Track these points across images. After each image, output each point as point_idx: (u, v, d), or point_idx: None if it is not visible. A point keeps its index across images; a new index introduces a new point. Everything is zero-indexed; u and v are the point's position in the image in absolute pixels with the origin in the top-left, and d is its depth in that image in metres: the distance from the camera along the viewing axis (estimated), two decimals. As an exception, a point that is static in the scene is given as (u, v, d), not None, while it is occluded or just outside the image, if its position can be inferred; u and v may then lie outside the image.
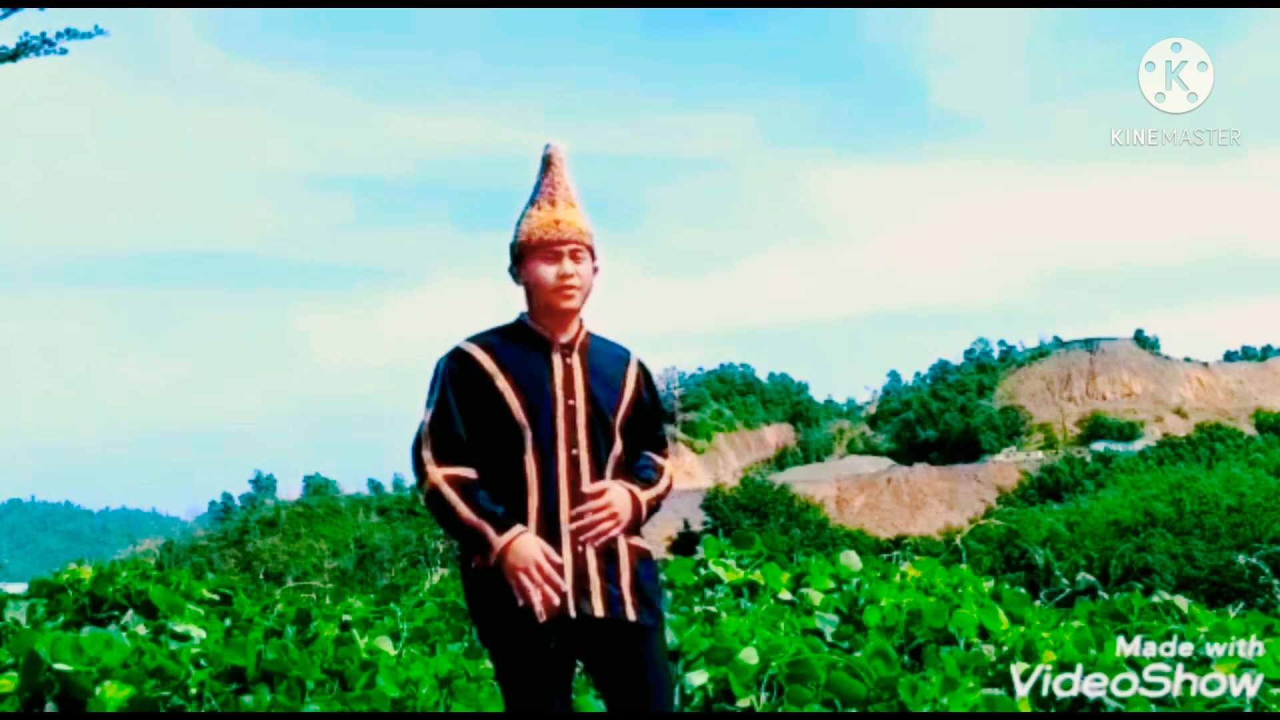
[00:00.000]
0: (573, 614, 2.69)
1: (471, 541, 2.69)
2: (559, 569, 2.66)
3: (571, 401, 2.77)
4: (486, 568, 2.70)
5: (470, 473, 2.72)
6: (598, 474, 2.77)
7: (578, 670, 2.96)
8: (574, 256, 2.79)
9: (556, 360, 2.80)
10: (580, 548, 2.72)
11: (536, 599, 2.63)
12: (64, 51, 8.02)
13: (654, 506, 2.84)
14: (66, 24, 7.97)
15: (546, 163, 2.87)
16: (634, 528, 2.81)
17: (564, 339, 2.82)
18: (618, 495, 2.74)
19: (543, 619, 2.66)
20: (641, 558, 2.80)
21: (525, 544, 2.64)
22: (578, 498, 2.73)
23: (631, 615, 2.73)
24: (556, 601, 2.64)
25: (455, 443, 2.72)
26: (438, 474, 2.70)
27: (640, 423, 2.89)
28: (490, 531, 2.66)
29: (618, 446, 2.82)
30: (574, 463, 2.74)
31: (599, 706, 4.18)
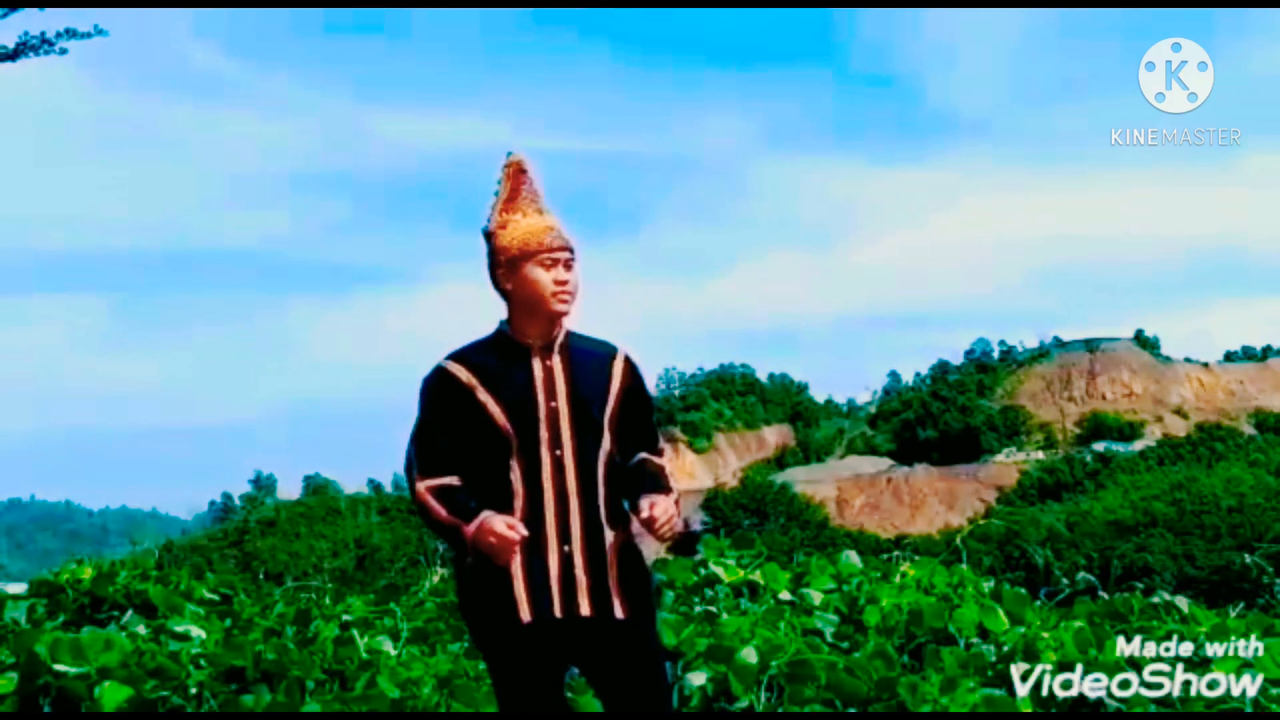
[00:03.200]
0: (558, 613, 2.72)
1: (452, 539, 2.75)
2: (514, 542, 2.68)
3: (553, 404, 2.79)
4: (476, 567, 2.74)
5: (453, 480, 2.78)
6: (584, 474, 2.79)
7: (576, 671, 2.96)
8: (566, 264, 2.83)
9: (536, 364, 2.83)
10: (566, 548, 2.75)
11: (513, 560, 2.69)
12: (64, 51, 8.00)
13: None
14: (66, 24, 7.95)
15: (517, 169, 2.90)
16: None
17: (543, 342, 2.85)
18: (666, 501, 2.77)
19: (528, 615, 2.69)
20: (629, 555, 2.82)
21: (489, 522, 2.68)
22: (564, 499, 2.76)
23: (620, 613, 2.76)
24: (516, 546, 2.67)
25: (439, 457, 2.80)
26: (421, 486, 2.79)
27: (632, 418, 2.90)
28: (460, 523, 2.72)
29: (607, 444, 2.83)
30: (558, 464, 2.77)
31: (596, 705, 4.18)
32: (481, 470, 2.77)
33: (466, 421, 2.78)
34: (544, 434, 2.77)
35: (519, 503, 2.74)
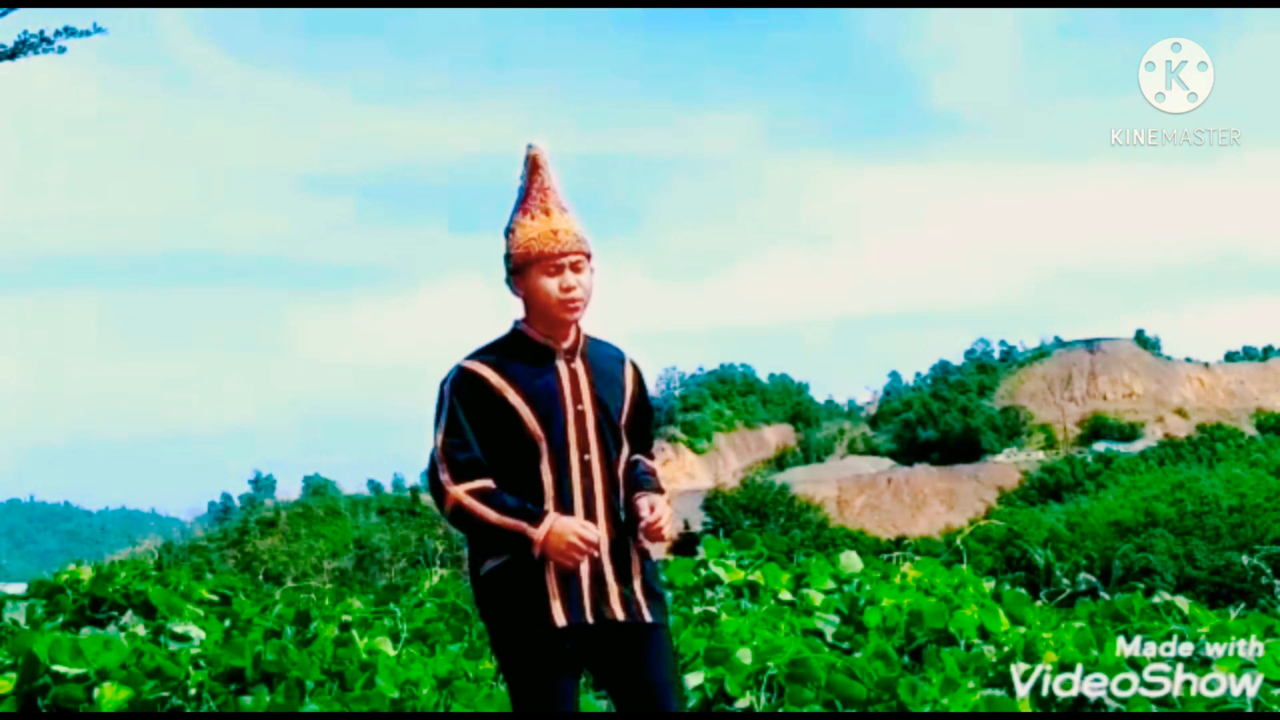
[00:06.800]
0: (590, 619, 2.70)
1: (510, 543, 2.68)
2: (594, 545, 2.68)
3: (580, 407, 2.77)
4: (502, 571, 2.71)
5: (490, 483, 2.72)
6: (609, 477, 2.78)
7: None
8: (575, 268, 2.76)
9: (562, 367, 2.79)
10: (595, 552, 2.72)
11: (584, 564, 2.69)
12: (63, 50, 7.97)
13: None
14: (65, 22, 7.92)
15: (532, 166, 2.82)
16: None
17: (566, 345, 2.82)
18: (663, 502, 2.77)
19: (563, 620, 2.68)
20: (647, 557, 2.84)
21: (563, 524, 2.66)
22: (591, 503, 2.74)
23: (647, 616, 2.76)
24: (595, 551, 2.68)
25: (471, 461, 2.72)
26: (458, 490, 2.70)
27: (638, 423, 2.89)
28: (527, 527, 2.67)
29: (625, 449, 2.84)
30: (586, 468, 2.75)
31: (599, 706, 4.17)
32: (509, 473, 2.73)
33: (496, 424, 2.73)
34: (573, 437, 2.74)
35: (548, 506, 2.71)
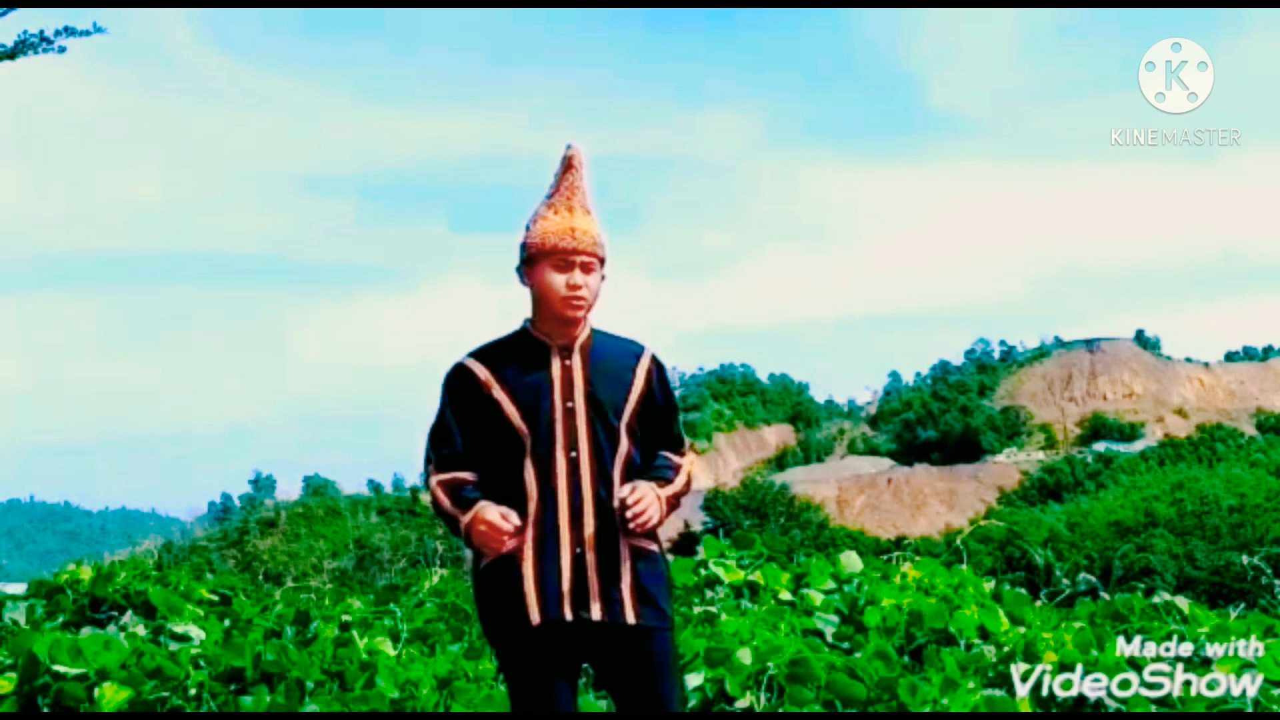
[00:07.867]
0: (569, 617, 2.69)
1: (454, 530, 2.76)
2: (508, 532, 2.67)
3: (570, 404, 2.76)
4: (488, 568, 2.73)
5: (464, 475, 2.78)
6: (599, 476, 2.75)
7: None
8: (585, 268, 2.77)
9: (555, 363, 2.79)
10: (578, 550, 2.72)
11: (508, 545, 2.68)
12: (63, 50, 7.95)
13: (672, 505, 2.82)
14: (65, 22, 7.91)
15: (566, 164, 2.84)
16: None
17: (564, 342, 2.81)
18: (647, 489, 2.73)
19: (537, 617, 2.68)
20: (645, 558, 2.79)
21: (484, 513, 2.69)
22: (578, 500, 2.73)
23: (631, 618, 2.72)
24: (510, 544, 2.68)
25: (454, 455, 2.79)
26: (434, 481, 2.79)
27: (653, 420, 2.86)
28: (460, 514, 2.73)
29: (623, 447, 2.80)
30: (573, 465, 2.74)
31: (599, 706, 4.17)
32: (497, 469, 2.76)
33: (482, 419, 2.76)
34: (559, 435, 2.73)
35: (532, 504, 2.72)
